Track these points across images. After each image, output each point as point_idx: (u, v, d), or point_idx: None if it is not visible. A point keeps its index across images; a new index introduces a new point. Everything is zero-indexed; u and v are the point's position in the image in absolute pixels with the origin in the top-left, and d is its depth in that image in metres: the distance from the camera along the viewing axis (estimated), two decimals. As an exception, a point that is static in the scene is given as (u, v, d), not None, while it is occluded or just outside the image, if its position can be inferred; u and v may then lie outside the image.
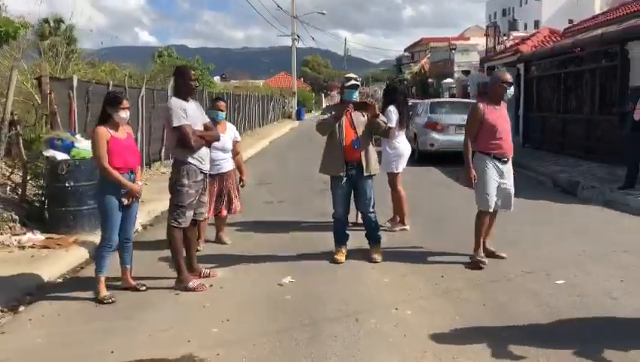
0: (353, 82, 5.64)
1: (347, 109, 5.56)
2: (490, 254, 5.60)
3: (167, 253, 6.08)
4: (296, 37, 40.82)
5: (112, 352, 3.81)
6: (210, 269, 5.50)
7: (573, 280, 4.97)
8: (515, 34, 25.21)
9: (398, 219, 7.14)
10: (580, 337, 3.83)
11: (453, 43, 34.06)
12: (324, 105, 59.16)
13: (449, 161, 12.11)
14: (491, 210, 5.48)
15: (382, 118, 5.68)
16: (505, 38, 23.58)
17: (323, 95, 61.05)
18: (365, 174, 5.60)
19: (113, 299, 4.83)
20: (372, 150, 5.70)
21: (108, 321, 4.38)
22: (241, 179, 6.65)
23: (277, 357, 3.66)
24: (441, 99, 16.62)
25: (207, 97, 17.58)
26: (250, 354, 3.71)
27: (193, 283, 5.10)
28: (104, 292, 4.86)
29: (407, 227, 7.07)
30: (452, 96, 24.16)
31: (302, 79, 48.03)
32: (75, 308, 4.67)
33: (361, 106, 5.58)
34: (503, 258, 5.61)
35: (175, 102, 5.01)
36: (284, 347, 3.81)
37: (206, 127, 5.24)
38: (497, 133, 5.40)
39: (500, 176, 5.44)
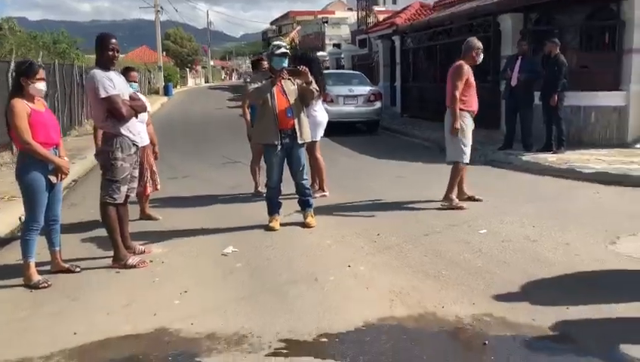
0: (283, 50, 5.67)
1: (281, 75, 5.59)
2: (470, 198, 6.59)
3: (88, 233, 5.83)
4: (160, 9, 39.05)
5: (75, 334, 3.61)
6: (144, 246, 5.32)
7: (494, 229, 5.53)
8: (378, 8, 26.30)
9: (317, 186, 7.33)
10: (513, 272, 4.31)
11: (325, 16, 34.69)
12: (190, 82, 57.43)
13: (340, 131, 12.53)
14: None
15: (314, 85, 5.78)
16: (375, 10, 24.52)
17: (188, 70, 59.19)
18: (299, 142, 5.71)
19: (49, 282, 4.51)
20: (304, 118, 5.81)
21: (53, 305, 4.11)
22: (154, 151, 6.47)
23: (254, 320, 3.70)
24: (329, 71, 16.92)
25: (77, 73, 16.42)
26: (226, 321, 3.71)
27: (132, 259, 4.92)
28: (36, 276, 4.53)
29: (327, 193, 7.29)
30: (340, 67, 24.51)
31: (164, 53, 46.05)
32: (6, 297, 4.30)
33: (294, 73, 5.64)
34: (480, 200, 6.59)
35: (99, 73, 4.72)
36: (257, 311, 3.86)
37: (132, 97, 5.01)
38: (474, 91, 6.26)
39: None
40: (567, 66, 9.13)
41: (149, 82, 39.43)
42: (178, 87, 47.51)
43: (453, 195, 6.40)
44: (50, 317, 3.89)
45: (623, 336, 3.26)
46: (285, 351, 3.30)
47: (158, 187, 6.53)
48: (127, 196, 5.01)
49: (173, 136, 14.68)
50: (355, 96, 13.71)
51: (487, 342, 3.29)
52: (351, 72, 16.51)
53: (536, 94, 9.47)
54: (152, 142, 6.40)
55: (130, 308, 4.00)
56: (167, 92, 37.54)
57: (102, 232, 5.53)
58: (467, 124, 6.30)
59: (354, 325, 3.58)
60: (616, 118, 9.76)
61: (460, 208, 6.30)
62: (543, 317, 3.54)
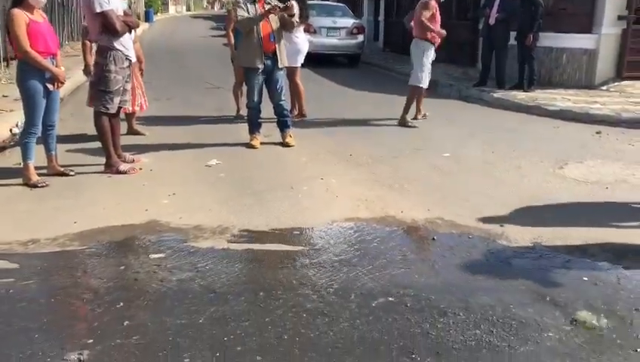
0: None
1: (274, 12, 5.91)
2: (423, 116, 7.76)
3: (78, 145, 6.19)
4: None
5: (75, 223, 4.06)
6: (133, 155, 5.72)
7: (457, 153, 6.04)
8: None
9: (297, 111, 7.73)
10: (466, 188, 4.84)
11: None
12: (171, 9, 55.80)
13: (321, 63, 12.79)
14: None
15: (296, 17, 6.15)
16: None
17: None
18: (280, 66, 6.09)
19: (47, 182, 4.93)
20: (284, 45, 6.19)
21: (53, 201, 4.53)
22: (140, 68, 6.76)
23: (236, 217, 4.18)
24: (313, 1, 16.88)
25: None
26: (211, 217, 4.19)
27: (124, 166, 5.34)
28: (35, 177, 4.93)
29: (306, 117, 7.71)
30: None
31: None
32: (8, 194, 4.70)
33: (285, 9, 5.97)
34: (426, 117, 7.75)
35: (94, -12, 4.97)
36: (239, 210, 4.34)
37: (125, 14, 5.29)
38: (438, 27, 7.25)
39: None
40: (544, 7, 9.46)
41: (129, 7, 38.47)
42: (159, 14, 46.38)
43: (408, 116, 7.43)
44: (51, 210, 4.32)
45: (547, 236, 3.82)
46: (264, 238, 3.81)
47: (145, 106, 6.84)
48: (119, 108, 5.37)
49: (157, 61, 14.72)
50: (337, 29, 13.86)
51: (435, 238, 3.83)
52: (335, 4, 16.51)
53: (513, 34, 9.81)
54: (138, 60, 6.66)
55: (123, 205, 4.45)
56: (147, 18, 36.67)
57: (92, 145, 5.94)
58: (429, 55, 7.26)
59: (323, 223, 4.09)
60: (586, 60, 10.19)
61: (413, 127, 7.33)
62: (486, 221, 4.09)
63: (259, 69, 5.99)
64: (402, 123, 7.39)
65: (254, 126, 6.34)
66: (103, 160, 5.33)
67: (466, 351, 2.55)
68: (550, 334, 2.68)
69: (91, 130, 5.59)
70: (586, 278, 3.25)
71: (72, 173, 5.23)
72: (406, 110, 7.40)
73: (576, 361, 2.48)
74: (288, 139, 6.33)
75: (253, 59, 5.98)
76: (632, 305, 2.95)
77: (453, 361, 2.47)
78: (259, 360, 2.48)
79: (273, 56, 6.05)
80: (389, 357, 2.50)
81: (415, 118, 7.63)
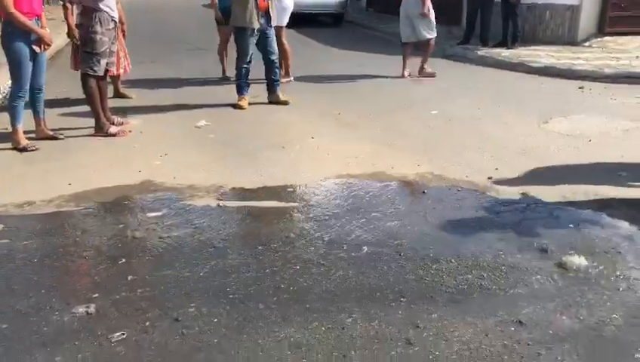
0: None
1: None
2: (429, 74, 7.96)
3: (65, 109, 6.16)
4: None
5: (70, 184, 4.08)
6: (122, 118, 5.71)
7: (443, 110, 6.11)
8: None
9: (283, 71, 7.71)
10: (455, 143, 4.93)
11: None
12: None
13: (304, 23, 12.65)
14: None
15: None
16: None
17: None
18: (272, 24, 6.09)
19: (37, 146, 4.92)
20: (274, 3, 6.19)
21: (44, 164, 4.55)
22: (122, 30, 6.66)
23: (230, 176, 4.24)
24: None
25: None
26: (205, 177, 4.24)
27: (113, 128, 5.34)
28: (25, 141, 4.92)
29: (292, 78, 7.70)
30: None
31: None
32: (-2, 157, 4.70)
33: None
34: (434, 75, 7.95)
35: (79, -52, 4.88)
36: (231, 169, 4.40)
37: (108, -26, 5.20)
38: None
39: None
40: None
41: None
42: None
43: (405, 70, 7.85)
44: (43, 173, 4.34)
45: (534, 188, 3.93)
46: (258, 196, 3.88)
47: (128, 69, 6.76)
48: (106, 70, 5.33)
49: (138, 23, 14.45)
50: (321, -13, 13.67)
51: (425, 191, 3.93)
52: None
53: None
54: (120, 21, 6.55)
55: (116, 167, 4.48)
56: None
57: (80, 108, 5.91)
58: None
59: (316, 180, 4.16)
60: (569, 16, 10.22)
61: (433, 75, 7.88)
62: (475, 175, 4.20)
63: (253, 29, 5.98)
64: (425, 74, 7.89)
65: (243, 86, 6.34)
66: (92, 123, 5.32)
67: (458, 294, 2.67)
68: (538, 277, 2.81)
69: (76, 93, 5.57)
70: (571, 225, 3.37)
71: (61, 136, 5.22)
72: (425, 60, 7.96)
73: (564, 301, 2.61)
74: (281, 96, 6.37)
75: (251, 19, 5.96)
76: (615, 248, 3.08)
77: (447, 304, 2.59)
78: (260, 308, 2.57)
79: (266, 14, 6.05)
80: (385, 301, 2.61)
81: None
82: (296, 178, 4.18)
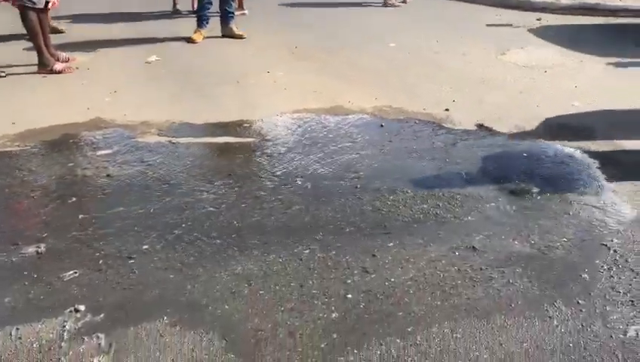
0: None
1: None
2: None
3: (7, 44, 5.81)
4: None
5: (14, 123, 3.89)
6: (67, 54, 5.43)
7: (402, 43, 6.03)
8: None
9: (237, 4, 7.41)
10: (414, 76, 4.89)
11: None
12: None
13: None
14: None
15: None
16: None
17: None
18: None
19: (-25, 85, 4.66)
20: None
21: (-17, 103, 4.31)
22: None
23: (183, 112, 4.11)
24: None
25: None
26: (158, 113, 4.10)
27: (59, 65, 5.09)
28: (-37, 79, 4.65)
29: (246, 12, 7.43)
30: None
31: None
32: None
33: None
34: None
35: None
36: (184, 105, 4.26)
37: None
38: None
39: None
40: None
41: None
42: None
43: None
44: (-20, 112, 4.11)
45: (490, 118, 3.95)
46: (213, 132, 3.79)
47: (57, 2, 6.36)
48: (46, 3, 5.01)
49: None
50: None
51: (383, 125, 3.90)
52: None
53: None
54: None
55: (63, 104, 4.28)
56: None
57: (21, 44, 5.60)
58: None
59: (272, 115, 4.08)
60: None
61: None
62: (432, 107, 4.18)
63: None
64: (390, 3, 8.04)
65: (204, 19, 6.12)
66: (36, 60, 5.04)
67: (414, 223, 2.69)
68: (492, 204, 2.85)
69: (16, 29, 5.25)
70: (525, 154, 3.42)
71: (3, 73, 4.96)
72: None
73: (516, 227, 2.66)
74: (236, 31, 6.16)
75: None
76: (566, 175, 3.15)
77: (402, 233, 2.61)
78: (217, 243, 2.54)
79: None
80: (341, 233, 2.61)
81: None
82: (251, 113, 4.09)
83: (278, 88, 4.64)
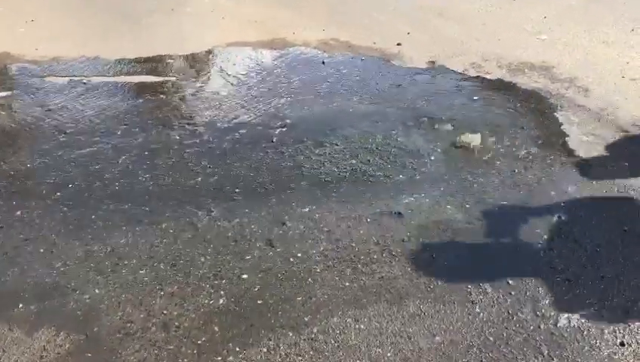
0: None
1: None
2: None
3: None
4: None
5: None
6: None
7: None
8: None
9: None
10: (369, 6, 4.41)
11: None
12: None
13: None
14: None
15: None
16: None
17: None
18: None
19: None
20: None
21: None
22: None
23: (103, 45, 3.65)
24: None
25: None
26: (74, 47, 3.63)
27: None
28: None
29: None
30: None
31: None
32: None
33: None
34: None
35: None
36: (107, 37, 3.79)
37: None
38: None
39: None
40: None
41: None
42: None
43: None
44: None
45: (445, 54, 3.54)
46: (133, 69, 3.35)
47: None
48: None
49: None
50: None
51: (325, 62, 3.48)
52: None
53: None
54: None
55: (-30, 35, 3.79)
56: None
57: None
58: None
59: (202, 49, 3.63)
60: None
61: None
62: (384, 40, 3.75)
63: None
64: None
65: None
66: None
67: (338, 183, 2.35)
68: (430, 160, 2.51)
69: None
70: (475, 97, 3.05)
71: None
72: None
73: (450, 187, 2.34)
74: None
75: None
76: (518, 124, 2.80)
77: (323, 195, 2.28)
78: (102, 211, 2.20)
79: None
80: (252, 195, 2.28)
81: None
82: (178, 47, 3.64)
83: (216, 17, 4.15)
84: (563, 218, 2.15)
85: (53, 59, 3.46)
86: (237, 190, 2.30)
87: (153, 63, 3.43)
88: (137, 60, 3.46)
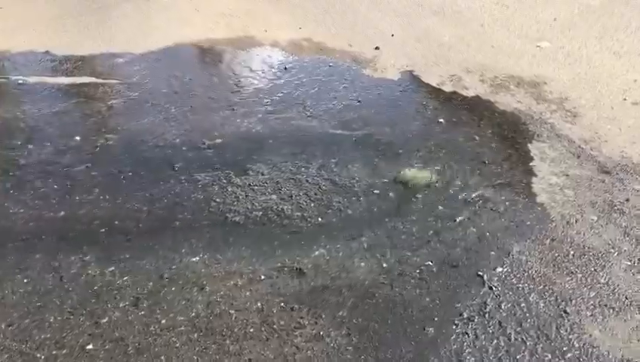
0: None
1: None
2: None
3: None
4: None
5: None
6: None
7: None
8: None
9: None
10: (353, 4, 4.01)
11: None
12: None
13: None
14: None
15: None
16: None
17: None
18: None
19: None
20: None
21: None
22: None
23: (62, 38, 3.42)
24: None
25: None
26: (30, 40, 3.41)
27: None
28: None
29: None
30: None
31: None
32: None
33: None
34: None
35: None
36: (68, 30, 3.55)
37: None
38: None
39: None
40: None
41: None
42: None
43: None
44: None
45: (423, 62, 3.14)
46: (77, 66, 3.10)
47: None
48: None
49: None
50: None
51: (287, 67, 3.14)
52: None
53: None
54: None
55: None
56: None
57: None
58: None
59: (160, 46, 3.35)
60: None
61: None
62: (362, 43, 3.38)
63: None
64: None
65: None
66: None
67: (243, 225, 2.04)
68: (364, 199, 2.16)
69: None
70: (441, 120, 2.65)
71: None
72: None
73: (382, 231, 1.99)
74: None
75: None
76: (477, 157, 2.40)
77: (217, 240, 1.98)
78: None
79: None
80: (139, 235, 2.00)
81: None
82: (140, 43, 3.38)
83: (190, 10, 3.85)
84: (493, 289, 1.78)
85: (3, 53, 3.25)
86: (127, 227, 2.02)
87: (101, 62, 3.18)
88: (85, 58, 3.21)
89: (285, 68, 3.13)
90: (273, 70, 3.13)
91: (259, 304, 1.74)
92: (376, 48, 3.31)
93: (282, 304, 1.73)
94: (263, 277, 1.82)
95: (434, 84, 2.94)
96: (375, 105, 2.77)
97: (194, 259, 1.89)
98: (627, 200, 2.14)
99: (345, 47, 3.34)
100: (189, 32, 3.52)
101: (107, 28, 3.57)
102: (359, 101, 2.81)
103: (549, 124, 2.59)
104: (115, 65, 3.15)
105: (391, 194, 2.19)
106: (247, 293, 1.77)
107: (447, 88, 2.90)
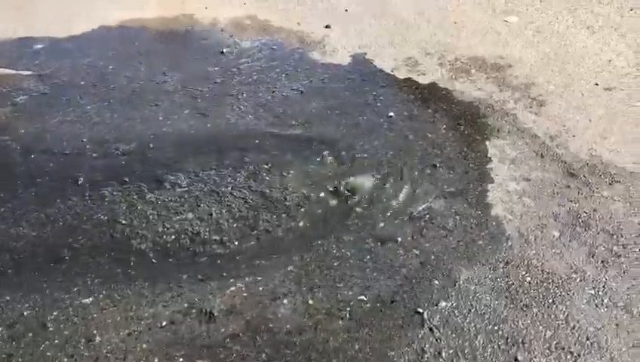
0: None
1: None
2: None
3: None
4: None
5: None
6: None
7: None
8: None
9: None
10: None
11: None
12: None
13: None
14: None
15: None
16: None
17: None
18: None
19: None
20: None
21: None
22: None
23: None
24: None
25: None
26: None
27: None
28: None
29: None
30: None
31: None
32: None
33: None
34: None
35: None
36: (-17, 10, 3.17)
37: None
38: None
39: None
40: None
41: None
42: None
43: None
44: None
45: (376, 45, 2.81)
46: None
47: None
48: None
49: None
50: None
51: (224, 51, 2.80)
52: None
53: None
54: None
55: None
56: None
57: None
58: None
59: (89, 27, 2.99)
60: None
61: None
62: (312, 21, 3.04)
63: None
64: None
65: None
66: None
67: (147, 254, 1.75)
68: (295, 215, 1.88)
69: None
70: (391, 114, 2.35)
71: None
72: None
73: (312, 257, 1.72)
74: None
75: None
76: (426, 159, 2.11)
77: (116, 275, 1.69)
78: None
79: None
80: (22, 268, 1.71)
81: None
82: (63, 26, 3.03)
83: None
84: (433, 331, 1.51)
85: None
86: (5, 259, 1.72)
87: (15, 50, 2.81)
88: (3, 43, 2.84)
89: (222, 52, 2.79)
90: (208, 55, 2.80)
91: (155, 360, 1.46)
92: (327, 27, 2.97)
93: (182, 359, 1.46)
94: (164, 323, 1.54)
95: (387, 70, 2.62)
96: (319, 96, 2.45)
97: (86, 301, 1.61)
98: (594, 210, 1.87)
99: (292, 25, 3.00)
100: (120, 12, 3.17)
101: (28, 11, 3.21)
102: (302, 92, 2.49)
103: (512, 116, 2.29)
104: (31, 54, 2.79)
105: (327, 208, 1.90)
106: (144, 345, 1.49)
107: (402, 74, 2.59)
